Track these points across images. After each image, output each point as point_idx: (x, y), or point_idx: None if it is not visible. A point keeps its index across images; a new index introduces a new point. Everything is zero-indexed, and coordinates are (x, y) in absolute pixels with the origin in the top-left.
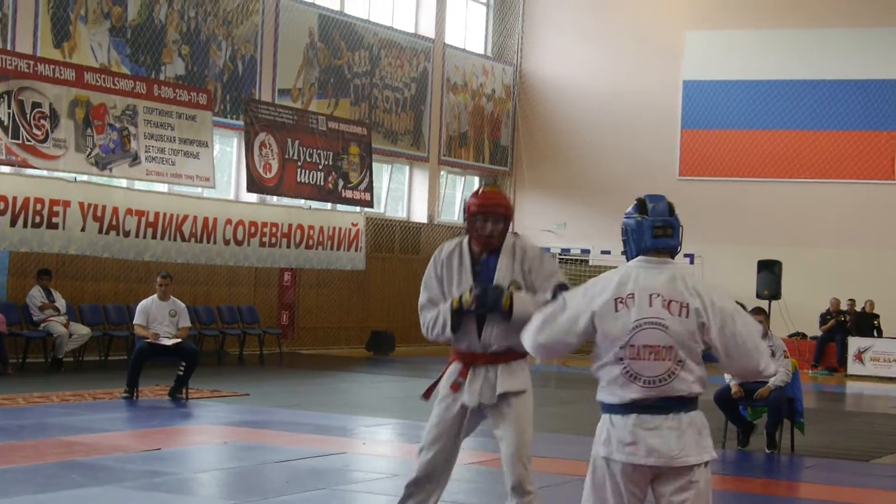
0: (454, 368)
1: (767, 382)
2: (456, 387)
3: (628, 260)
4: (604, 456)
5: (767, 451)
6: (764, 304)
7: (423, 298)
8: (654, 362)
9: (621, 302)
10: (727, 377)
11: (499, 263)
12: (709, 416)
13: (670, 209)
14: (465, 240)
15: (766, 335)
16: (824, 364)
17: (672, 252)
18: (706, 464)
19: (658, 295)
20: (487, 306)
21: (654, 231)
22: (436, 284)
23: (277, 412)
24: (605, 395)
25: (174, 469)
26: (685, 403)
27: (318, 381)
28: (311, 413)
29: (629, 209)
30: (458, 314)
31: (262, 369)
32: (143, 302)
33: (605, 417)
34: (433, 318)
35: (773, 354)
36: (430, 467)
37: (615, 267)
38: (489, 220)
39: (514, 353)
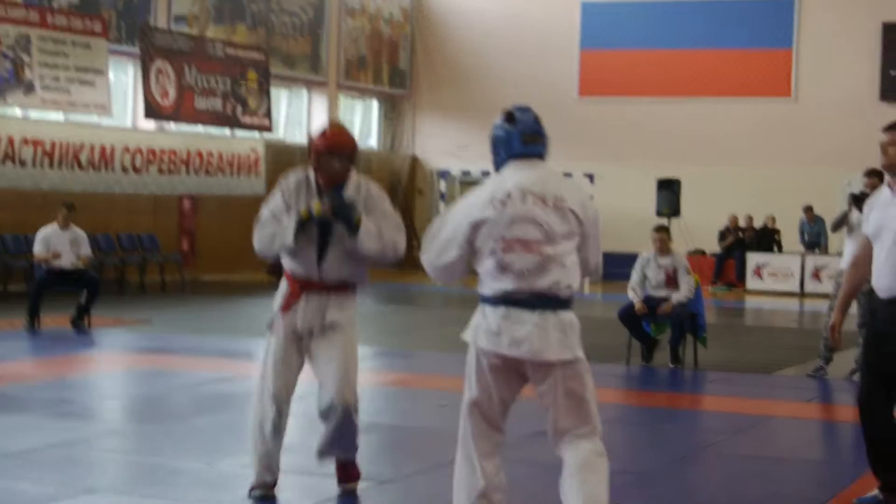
0: (286, 290)
1: (670, 298)
2: (287, 307)
3: (497, 169)
4: (473, 342)
5: (671, 365)
6: (663, 222)
7: (265, 213)
8: (525, 255)
9: (499, 201)
10: (630, 294)
11: (345, 193)
12: (613, 332)
13: (536, 119)
14: (311, 172)
15: (668, 252)
16: (723, 280)
17: (540, 158)
18: (571, 362)
19: (531, 192)
20: (341, 214)
21: (524, 138)
22: (282, 204)
23: (181, 338)
24: (481, 287)
25: (81, 396)
26: (553, 302)
27: (220, 306)
28: (214, 338)
29: (497, 121)
30: (304, 225)
31: (164, 296)
32: (43, 230)
33: (479, 308)
34: (272, 230)
35: (676, 271)
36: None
37: None
38: (335, 158)
39: (346, 287)
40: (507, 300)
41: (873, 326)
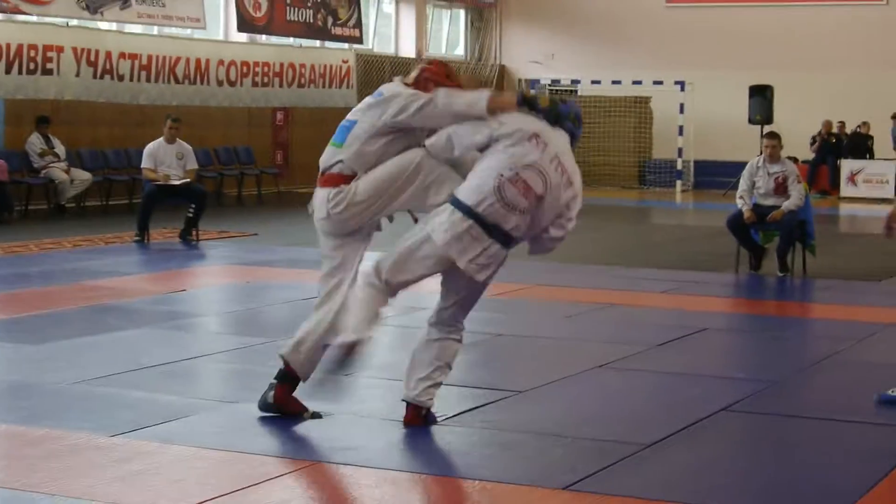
0: None
1: (779, 206)
2: None
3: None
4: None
5: (780, 274)
6: (756, 129)
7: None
8: (520, 198)
9: (538, 139)
10: (739, 202)
11: None
12: (722, 240)
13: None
14: None
15: (779, 160)
16: (816, 187)
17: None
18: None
19: (558, 158)
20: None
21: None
22: None
23: (290, 250)
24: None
25: (201, 309)
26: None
27: None
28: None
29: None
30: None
31: (262, 209)
32: (150, 145)
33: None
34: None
35: (786, 179)
36: None
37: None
38: None
39: None
40: (477, 217)
41: None
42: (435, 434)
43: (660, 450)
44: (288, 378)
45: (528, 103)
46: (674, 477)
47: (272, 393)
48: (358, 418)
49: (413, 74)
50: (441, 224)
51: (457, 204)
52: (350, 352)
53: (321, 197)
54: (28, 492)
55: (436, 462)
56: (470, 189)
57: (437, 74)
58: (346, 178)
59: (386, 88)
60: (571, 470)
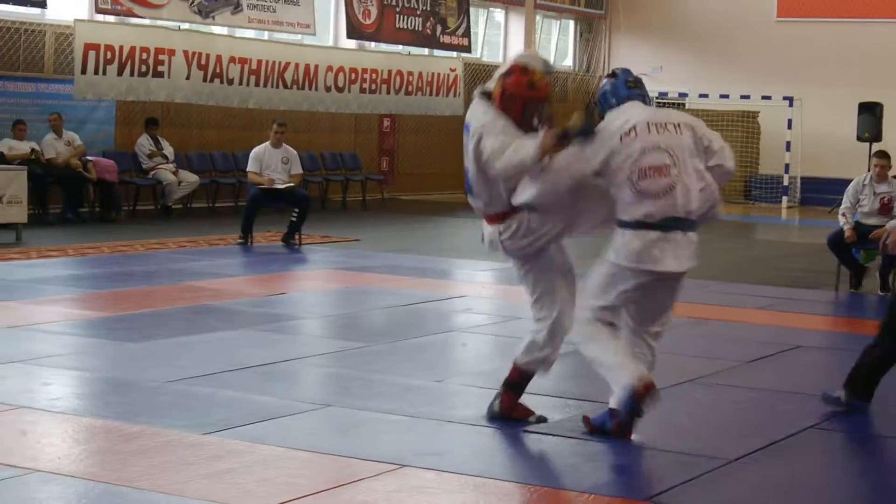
0: None
1: (883, 226)
2: None
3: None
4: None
5: (880, 293)
6: (864, 147)
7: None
8: (659, 178)
9: (626, 135)
10: (841, 220)
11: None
12: (824, 257)
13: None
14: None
15: (886, 179)
16: None
17: (643, 101)
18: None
19: (652, 123)
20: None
21: (628, 83)
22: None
23: (391, 256)
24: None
25: (301, 312)
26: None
27: (421, 226)
28: (424, 257)
29: (603, 83)
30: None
31: (366, 215)
32: (256, 149)
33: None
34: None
35: (892, 200)
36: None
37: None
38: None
39: None
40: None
41: None
42: (524, 441)
43: (745, 465)
44: (513, 385)
45: (582, 133)
46: (757, 493)
47: (498, 402)
48: (446, 423)
49: (496, 89)
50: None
51: (622, 224)
52: (641, 398)
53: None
54: (120, 486)
55: (521, 470)
56: (623, 206)
57: (518, 87)
58: (503, 216)
59: (471, 115)
60: (656, 481)
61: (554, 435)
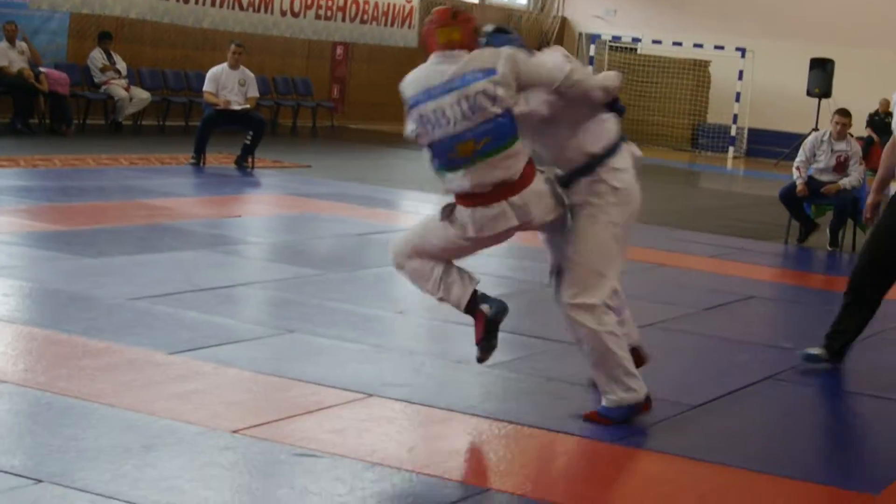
0: None
1: (836, 182)
2: None
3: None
4: None
5: (829, 248)
6: (813, 102)
7: None
8: None
9: None
10: (795, 174)
11: None
12: (771, 210)
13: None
14: None
15: (845, 138)
16: (869, 165)
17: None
18: None
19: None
20: None
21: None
22: None
23: (342, 185)
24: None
25: (258, 236)
26: None
27: (370, 155)
28: (376, 187)
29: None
30: None
31: (316, 141)
32: (213, 69)
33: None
34: None
35: (848, 158)
36: None
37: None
38: None
39: None
40: None
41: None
42: (487, 378)
43: (705, 412)
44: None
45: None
46: (717, 440)
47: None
48: (409, 356)
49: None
50: None
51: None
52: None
53: None
54: (90, 402)
55: (489, 406)
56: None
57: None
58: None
59: (491, 60)
60: (622, 425)
61: (518, 373)
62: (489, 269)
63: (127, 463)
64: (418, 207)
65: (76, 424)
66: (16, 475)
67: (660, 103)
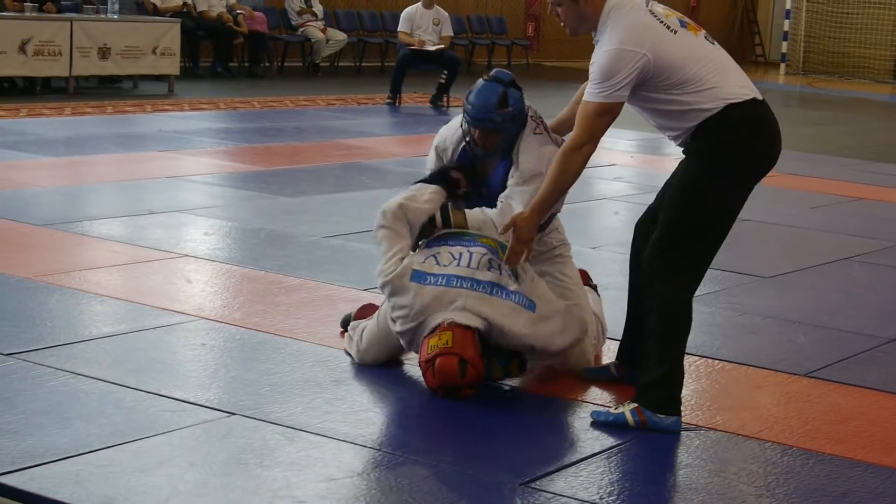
0: None
1: None
2: None
3: None
4: None
5: None
6: None
7: None
8: None
9: None
10: None
11: None
12: None
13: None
14: None
15: None
16: None
17: None
18: None
19: None
20: None
21: None
22: None
23: None
24: None
25: None
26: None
27: (568, 93)
28: None
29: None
30: None
31: None
32: (408, 9)
33: None
34: None
35: None
36: None
37: None
38: None
39: None
40: None
41: None
42: None
43: None
44: None
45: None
46: None
47: None
48: None
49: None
50: None
51: None
52: None
53: None
54: (283, 336)
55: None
56: None
57: None
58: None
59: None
60: (811, 358)
61: (712, 306)
62: None
63: (318, 396)
64: (613, 143)
65: (269, 359)
66: (210, 408)
67: (860, 34)
